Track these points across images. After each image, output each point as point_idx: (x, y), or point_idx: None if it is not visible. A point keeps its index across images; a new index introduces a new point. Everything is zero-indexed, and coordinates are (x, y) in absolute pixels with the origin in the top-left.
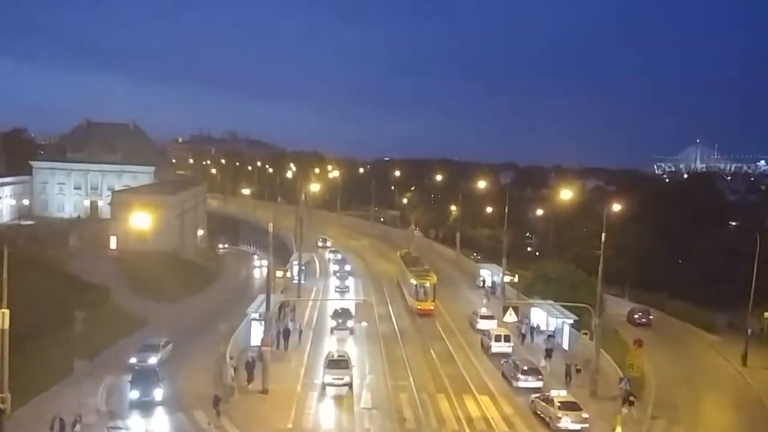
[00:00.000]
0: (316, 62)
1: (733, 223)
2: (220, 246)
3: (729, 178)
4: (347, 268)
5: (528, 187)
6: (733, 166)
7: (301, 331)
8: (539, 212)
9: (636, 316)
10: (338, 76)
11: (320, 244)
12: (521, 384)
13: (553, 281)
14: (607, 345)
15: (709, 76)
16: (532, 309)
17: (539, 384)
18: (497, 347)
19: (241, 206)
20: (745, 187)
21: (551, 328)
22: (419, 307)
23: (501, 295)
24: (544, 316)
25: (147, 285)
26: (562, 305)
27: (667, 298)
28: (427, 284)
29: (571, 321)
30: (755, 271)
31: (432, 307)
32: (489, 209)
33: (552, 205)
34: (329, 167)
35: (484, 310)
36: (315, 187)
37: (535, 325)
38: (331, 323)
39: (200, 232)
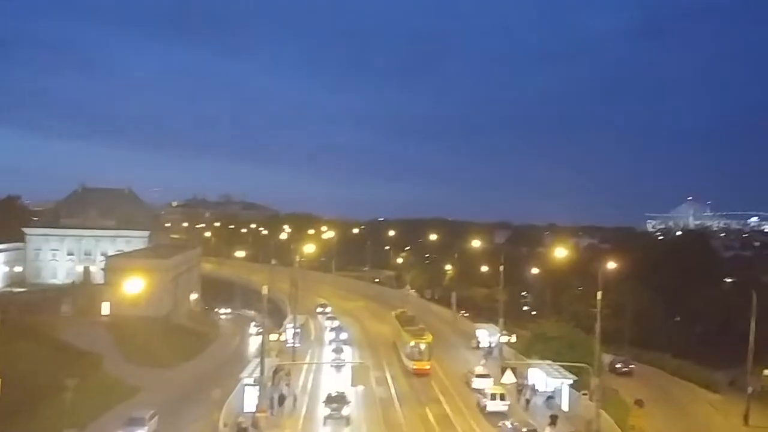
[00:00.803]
0: (310, 127)
1: (729, 280)
2: (223, 312)
3: (722, 234)
4: (343, 336)
5: (523, 245)
6: (726, 222)
7: (295, 397)
8: (535, 271)
9: (617, 365)
10: (331, 139)
11: (319, 310)
12: None
13: (551, 341)
14: (607, 405)
15: (699, 135)
16: (531, 369)
17: None
18: (493, 406)
19: (236, 269)
20: (739, 244)
21: (550, 389)
22: (415, 367)
23: (498, 356)
24: (543, 377)
25: (140, 351)
26: (560, 365)
27: (667, 356)
28: (423, 344)
29: (571, 381)
30: (753, 328)
31: (428, 367)
32: (484, 268)
33: (547, 263)
34: (323, 228)
35: (479, 369)
36: (309, 248)
37: (531, 385)
38: (324, 411)
39: (194, 296)
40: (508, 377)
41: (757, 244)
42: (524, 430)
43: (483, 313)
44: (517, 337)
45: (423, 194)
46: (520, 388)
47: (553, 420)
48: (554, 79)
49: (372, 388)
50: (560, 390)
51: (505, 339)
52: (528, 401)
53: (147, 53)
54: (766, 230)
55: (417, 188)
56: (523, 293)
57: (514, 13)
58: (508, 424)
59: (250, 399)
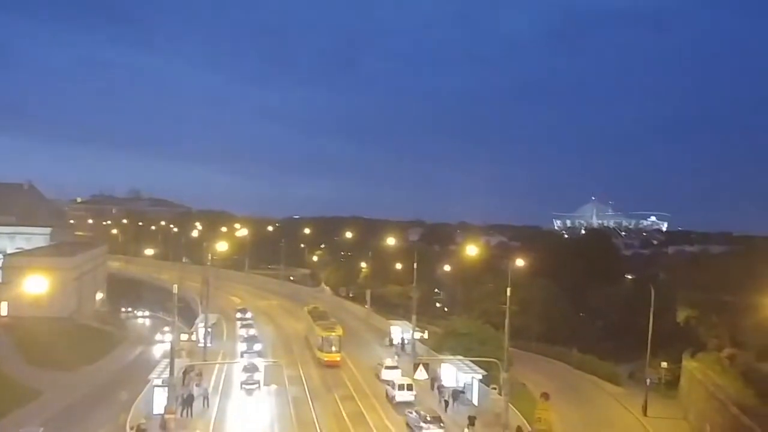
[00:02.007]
0: (225, 122)
1: (629, 277)
2: (134, 313)
3: (624, 233)
4: (257, 347)
5: (436, 243)
6: (626, 222)
7: (207, 397)
8: (447, 268)
9: None
10: (247, 136)
11: (238, 315)
12: None
13: (462, 337)
14: (516, 399)
15: (604, 137)
16: (442, 365)
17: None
18: (401, 396)
19: (145, 267)
20: (639, 242)
21: (461, 384)
22: (326, 359)
23: (411, 352)
24: (454, 372)
25: (42, 353)
26: (471, 360)
27: (572, 351)
28: (333, 336)
29: (480, 376)
30: (651, 323)
31: (338, 359)
32: (399, 266)
33: (459, 261)
34: (237, 226)
35: (388, 361)
36: (222, 246)
37: (449, 388)
38: (241, 377)
39: (100, 296)
40: (421, 373)
41: (654, 242)
42: (429, 417)
43: (397, 310)
44: (429, 333)
45: (339, 192)
46: (440, 389)
47: (471, 421)
48: (471, 79)
49: (285, 387)
50: (471, 385)
51: (417, 335)
52: (447, 402)
53: (55, 45)
54: (663, 229)
55: (333, 186)
56: (436, 290)
57: (432, 12)
58: (413, 412)
59: (159, 400)
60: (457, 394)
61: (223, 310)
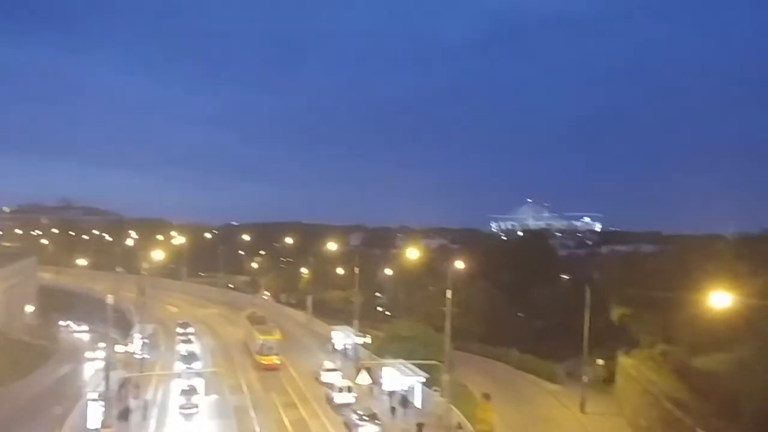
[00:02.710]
0: (159, 129)
1: (565, 277)
2: (69, 327)
3: (559, 234)
4: (196, 365)
5: (377, 247)
6: (562, 223)
7: (145, 409)
8: (389, 272)
9: None
10: (183, 141)
11: (180, 330)
12: (361, 431)
13: (404, 340)
14: (457, 400)
15: (539, 140)
16: (385, 369)
17: (377, 429)
18: (340, 398)
19: (77, 278)
20: (574, 243)
21: (404, 388)
22: (265, 362)
23: (354, 357)
24: (396, 376)
25: None
26: (414, 363)
27: (512, 351)
28: (272, 340)
29: (423, 379)
30: (587, 321)
31: (278, 362)
32: (340, 271)
33: (400, 264)
34: (173, 234)
35: (328, 364)
36: (158, 255)
37: (399, 393)
38: (179, 400)
39: (30, 308)
40: (363, 378)
41: (589, 242)
42: (365, 415)
43: (339, 315)
44: (372, 337)
45: (278, 198)
46: (390, 395)
47: (420, 428)
48: (410, 83)
49: (226, 396)
50: (413, 388)
51: (360, 340)
52: (394, 409)
53: None
54: (596, 229)
55: (272, 192)
56: (378, 294)
57: (370, 18)
58: (351, 411)
59: (94, 415)
60: (406, 400)
61: (161, 320)
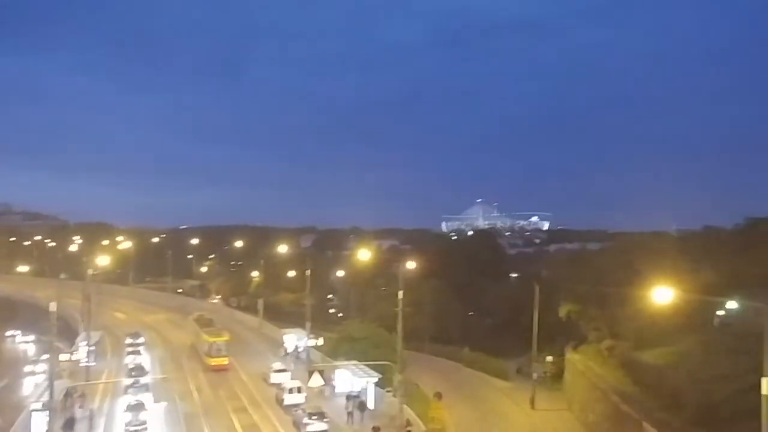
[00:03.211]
0: (103, 131)
1: (515, 275)
2: (22, 339)
3: (508, 233)
4: (144, 380)
5: (328, 249)
6: (511, 222)
7: (91, 418)
8: (341, 274)
9: None
10: (128, 145)
11: (129, 340)
12: (309, 429)
13: (357, 341)
14: (410, 400)
15: (488, 141)
16: (337, 371)
17: (325, 426)
18: (290, 399)
19: (17, 285)
20: (522, 241)
21: (356, 389)
22: (213, 364)
23: (306, 360)
24: (349, 377)
25: None
26: (366, 365)
27: (464, 349)
28: (220, 341)
29: (376, 379)
30: (536, 319)
31: (226, 363)
32: (291, 273)
33: (352, 266)
34: (119, 238)
35: (277, 365)
36: (104, 260)
37: (355, 397)
38: (124, 417)
39: None
40: (316, 380)
41: (537, 241)
42: (313, 413)
43: (291, 318)
44: (324, 340)
45: (227, 200)
46: (347, 399)
47: (376, 430)
48: (360, 84)
49: (176, 403)
50: (366, 389)
51: (312, 343)
52: (351, 414)
53: None
54: (544, 228)
55: (221, 194)
56: (330, 296)
57: (320, 19)
58: (299, 410)
59: (39, 426)
60: (363, 405)
61: (107, 327)
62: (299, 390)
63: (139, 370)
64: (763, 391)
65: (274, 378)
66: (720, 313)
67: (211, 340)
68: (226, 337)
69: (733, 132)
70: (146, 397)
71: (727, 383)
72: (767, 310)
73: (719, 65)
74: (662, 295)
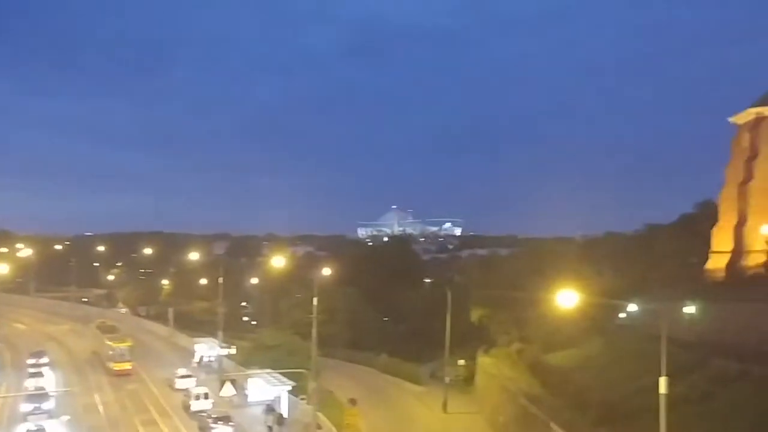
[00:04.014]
0: (4, 135)
1: (428, 281)
2: None
3: (422, 239)
4: (47, 405)
5: (242, 256)
6: (425, 228)
7: None
8: (255, 281)
9: None
10: (31, 147)
11: (31, 360)
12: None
13: (270, 349)
14: (324, 407)
15: (403, 148)
16: (250, 380)
17: (231, 430)
18: (197, 405)
19: None
20: (436, 247)
21: (270, 398)
22: (117, 369)
23: (219, 369)
24: (262, 386)
25: None
26: (280, 373)
27: (381, 355)
28: (123, 347)
29: (290, 387)
30: (449, 323)
31: (129, 367)
32: (204, 281)
33: (267, 273)
34: (19, 246)
35: (182, 370)
36: (2, 269)
37: (275, 411)
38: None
39: None
40: (228, 390)
41: (450, 247)
42: (218, 417)
43: (203, 327)
44: (237, 348)
45: (137, 206)
46: (266, 413)
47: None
48: (276, 90)
49: (80, 418)
50: (280, 397)
51: (224, 351)
52: (271, 428)
53: None
54: (457, 234)
55: (130, 200)
56: (244, 304)
57: (234, 23)
58: (204, 414)
59: None
60: (282, 418)
61: (6, 339)
62: (206, 396)
63: (41, 397)
64: (661, 390)
65: (180, 384)
66: (622, 315)
67: (115, 345)
68: (128, 343)
69: (637, 142)
70: (49, 425)
71: (628, 383)
72: (665, 312)
73: (631, 79)
74: (567, 299)
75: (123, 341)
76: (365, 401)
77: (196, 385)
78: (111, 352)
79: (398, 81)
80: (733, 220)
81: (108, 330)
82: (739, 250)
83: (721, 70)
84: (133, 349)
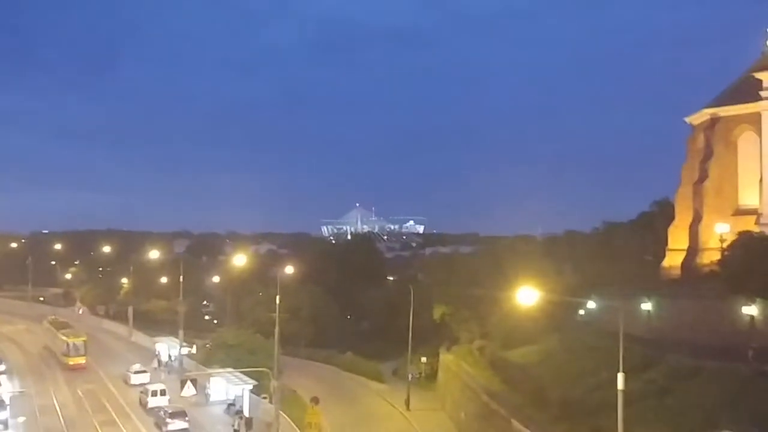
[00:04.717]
0: None
1: (391, 278)
2: None
3: (386, 237)
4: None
5: (203, 254)
6: (388, 226)
7: None
8: (216, 279)
9: None
10: None
11: None
12: (170, 427)
13: (232, 348)
14: (287, 405)
15: (366, 146)
16: (212, 379)
17: (186, 425)
18: (154, 402)
19: None
20: (399, 245)
21: (231, 397)
22: (71, 363)
23: (179, 368)
24: (224, 385)
25: None
26: (242, 371)
27: (343, 353)
28: (78, 341)
29: (251, 386)
30: (411, 321)
31: (84, 362)
32: (164, 280)
33: (228, 271)
34: None
35: (136, 366)
36: None
37: (244, 415)
38: None
39: None
40: (188, 389)
41: (413, 244)
42: (173, 411)
43: (163, 326)
44: (198, 347)
45: (94, 204)
46: (240, 415)
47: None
48: (237, 87)
49: (37, 420)
50: (241, 396)
51: (185, 351)
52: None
53: None
54: (420, 232)
55: (87, 197)
56: (205, 303)
57: (195, 20)
58: (160, 410)
59: None
60: (250, 422)
61: None
62: (163, 393)
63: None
64: (619, 386)
65: (134, 379)
66: (581, 312)
67: (70, 340)
68: (83, 338)
69: (598, 141)
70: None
71: (587, 379)
72: (622, 308)
73: (592, 77)
74: (527, 296)
75: (77, 336)
76: (328, 399)
77: (151, 381)
78: (66, 347)
79: (362, 79)
80: (689, 219)
81: (61, 326)
82: (694, 248)
83: (677, 71)
84: (92, 348)
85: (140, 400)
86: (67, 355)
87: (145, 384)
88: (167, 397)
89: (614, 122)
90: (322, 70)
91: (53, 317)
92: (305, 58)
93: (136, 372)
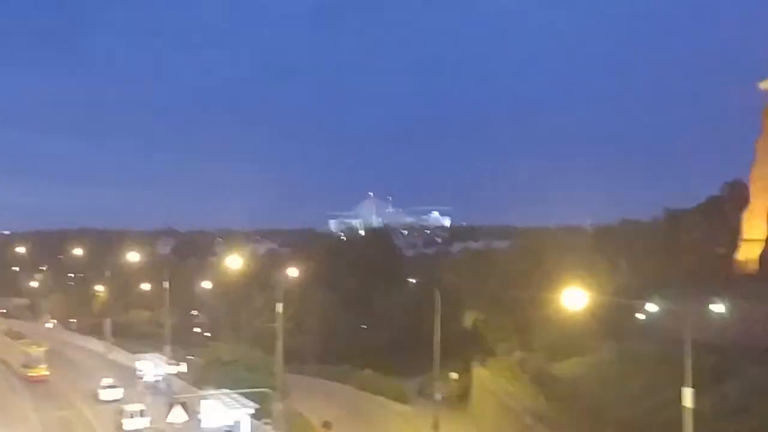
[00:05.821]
0: None
1: (413, 280)
2: None
3: (405, 231)
4: None
5: (192, 256)
6: (408, 219)
7: None
8: (207, 285)
9: None
10: None
11: None
12: None
13: (227, 366)
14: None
15: (374, 132)
16: (204, 402)
17: None
18: (130, 424)
19: None
20: (422, 241)
21: (227, 423)
22: (31, 374)
23: (167, 390)
24: (219, 409)
25: None
26: (240, 393)
27: (356, 370)
28: (39, 352)
29: (252, 410)
30: (437, 330)
31: (45, 373)
32: (146, 286)
33: (222, 275)
34: None
35: (108, 381)
36: None
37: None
38: None
39: None
40: (177, 414)
41: (438, 240)
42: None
43: (146, 341)
44: (188, 365)
45: (63, 200)
46: None
47: None
48: (227, 61)
49: None
50: (240, 423)
51: (173, 369)
52: None
53: None
54: (446, 225)
55: (55, 192)
56: (195, 312)
57: None
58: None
59: None
60: None
61: None
62: (141, 414)
63: None
64: (685, 403)
65: (104, 395)
66: (640, 316)
67: (29, 351)
68: (45, 347)
69: (655, 115)
70: None
71: (649, 396)
72: (689, 311)
73: (647, 41)
74: (575, 298)
75: (39, 346)
76: (342, 424)
77: (125, 399)
78: (25, 358)
79: (373, 62)
80: (766, 203)
81: (17, 336)
82: None
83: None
84: (63, 367)
85: (115, 422)
86: (27, 366)
87: (117, 400)
88: (147, 418)
89: (676, 93)
90: (327, 38)
91: (7, 327)
92: (308, 25)
93: (106, 387)
